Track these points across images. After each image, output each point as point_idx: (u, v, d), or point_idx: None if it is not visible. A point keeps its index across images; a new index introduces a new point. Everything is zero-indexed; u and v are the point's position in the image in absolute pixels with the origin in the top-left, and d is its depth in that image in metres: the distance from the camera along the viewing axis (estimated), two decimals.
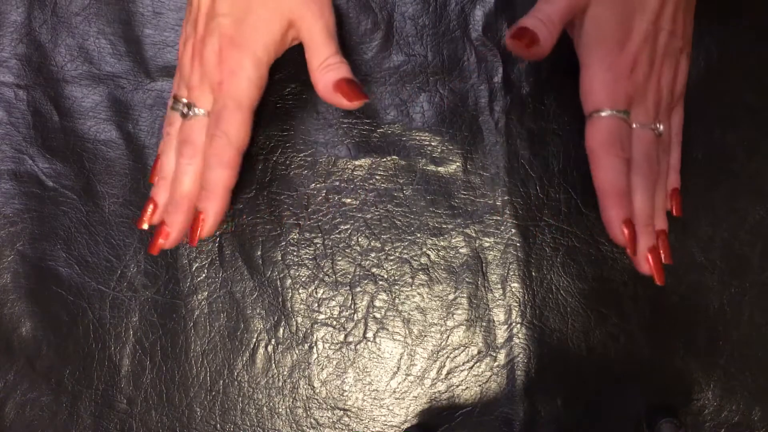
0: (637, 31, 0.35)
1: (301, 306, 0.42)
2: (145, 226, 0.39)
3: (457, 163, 0.41)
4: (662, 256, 0.37)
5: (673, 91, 0.37)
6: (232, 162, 0.37)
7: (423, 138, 0.42)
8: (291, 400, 0.42)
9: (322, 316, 0.42)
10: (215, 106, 0.37)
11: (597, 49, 0.36)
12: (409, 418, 0.41)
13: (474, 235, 0.41)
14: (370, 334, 0.41)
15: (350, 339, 0.42)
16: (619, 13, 0.35)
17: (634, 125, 0.36)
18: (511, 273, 0.41)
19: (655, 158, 0.36)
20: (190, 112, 0.38)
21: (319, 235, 0.42)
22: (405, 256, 0.42)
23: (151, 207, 0.39)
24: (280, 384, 0.42)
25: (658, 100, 0.36)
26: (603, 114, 0.35)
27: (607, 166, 0.35)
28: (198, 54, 0.37)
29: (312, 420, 0.41)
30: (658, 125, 0.36)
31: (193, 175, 0.38)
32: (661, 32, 0.36)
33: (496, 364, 0.41)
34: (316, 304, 0.42)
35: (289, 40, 0.39)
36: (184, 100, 0.38)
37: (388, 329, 0.41)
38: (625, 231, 0.35)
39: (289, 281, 0.42)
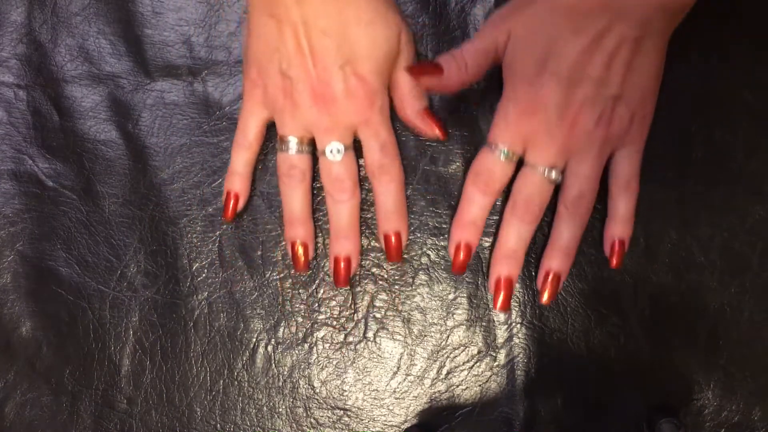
0: (548, 76, 0.35)
1: (301, 306, 0.42)
2: (300, 269, 0.40)
3: (457, 163, 0.41)
4: (544, 295, 0.38)
5: (594, 138, 0.35)
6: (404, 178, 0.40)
7: (423, 138, 0.42)
8: (291, 400, 0.42)
9: (322, 316, 0.42)
10: (372, 141, 0.38)
11: (506, 85, 0.37)
12: (409, 418, 0.41)
13: None
14: (370, 334, 0.41)
15: (350, 339, 0.42)
16: (531, 54, 0.35)
17: (527, 165, 0.37)
18: None
19: (537, 200, 0.37)
20: (338, 155, 0.38)
21: (320, 235, 0.42)
22: (405, 256, 0.42)
23: (301, 250, 0.40)
24: (280, 384, 0.42)
25: (566, 145, 0.36)
26: (486, 147, 0.37)
27: (466, 196, 0.38)
28: (325, 98, 0.36)
29: (312, 420, 0.41)
30: (549, 170, 0.36)
31: (355, 208, 0.39)
32: (586, 80, 0.34)
33: (496, 363, 0.41)
34: (316, 304, 0.42)
35: None
36: (338, 145, 0.38)
37: (388, 329, 0.41)
38: (456, 253, 0.38)
39: (289, 281, 0.42)
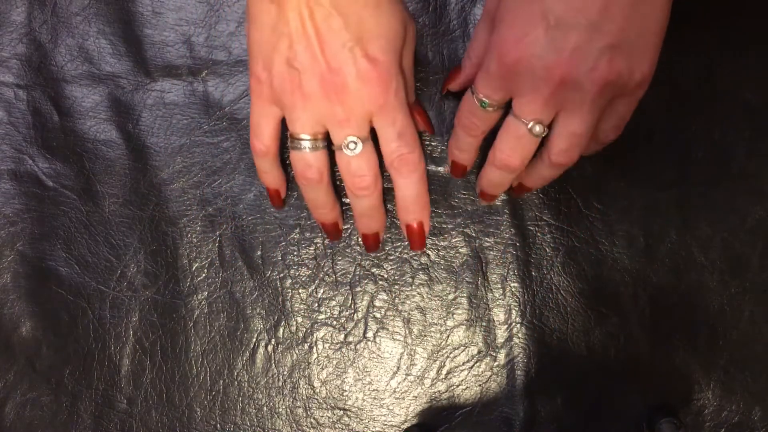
0: (536, 21, 0.32)
1: (301, 306, 0.42)
2: (334, 239, 0.41)
3: None
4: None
5: (586, 92, 0.32)
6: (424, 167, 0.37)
7: (423, 138, 0.42)
8: (291, 400, 0.42)
9: (322, 316, 0.42)
10: (389, 129, 0.35)
11: (493, 33, 0.34)
12: (409, 417, 0.41)
13: (474, 235, 0.41)
14: (370, 334, 0.41)
15: (350, 339, 0.42)
16: (519, 2, 0.33)
17: (512, 115, 0.34)
18: (511, 273, 0.41)
19: (519, 154, 0.35)
20: (356, 149, 0.35)
21: (319, 234, 0.42)
22: (405, 255, 0.42)
23: (333, 228, 0.40)
24: (280, 384, 0.42)
25: (553, 99, 0.33)
26: (469, 90, 0.36)
27: (453, 131, 0.38)
28: (336, 86, 0.34)
29: (312, 420, 0.41)
30: (534, 125, 0.34)
31: (378, 198, 0.38)
32: (578, 25, 0.31)
33: (496, 363, 0.41)
34: (316, 304, 0.42)
35: None
36: (354, 138, 0.35)
37: (388, 329, 0.41)
38: (453, 167, 0.40)
39: (289, 281, 0.42)
